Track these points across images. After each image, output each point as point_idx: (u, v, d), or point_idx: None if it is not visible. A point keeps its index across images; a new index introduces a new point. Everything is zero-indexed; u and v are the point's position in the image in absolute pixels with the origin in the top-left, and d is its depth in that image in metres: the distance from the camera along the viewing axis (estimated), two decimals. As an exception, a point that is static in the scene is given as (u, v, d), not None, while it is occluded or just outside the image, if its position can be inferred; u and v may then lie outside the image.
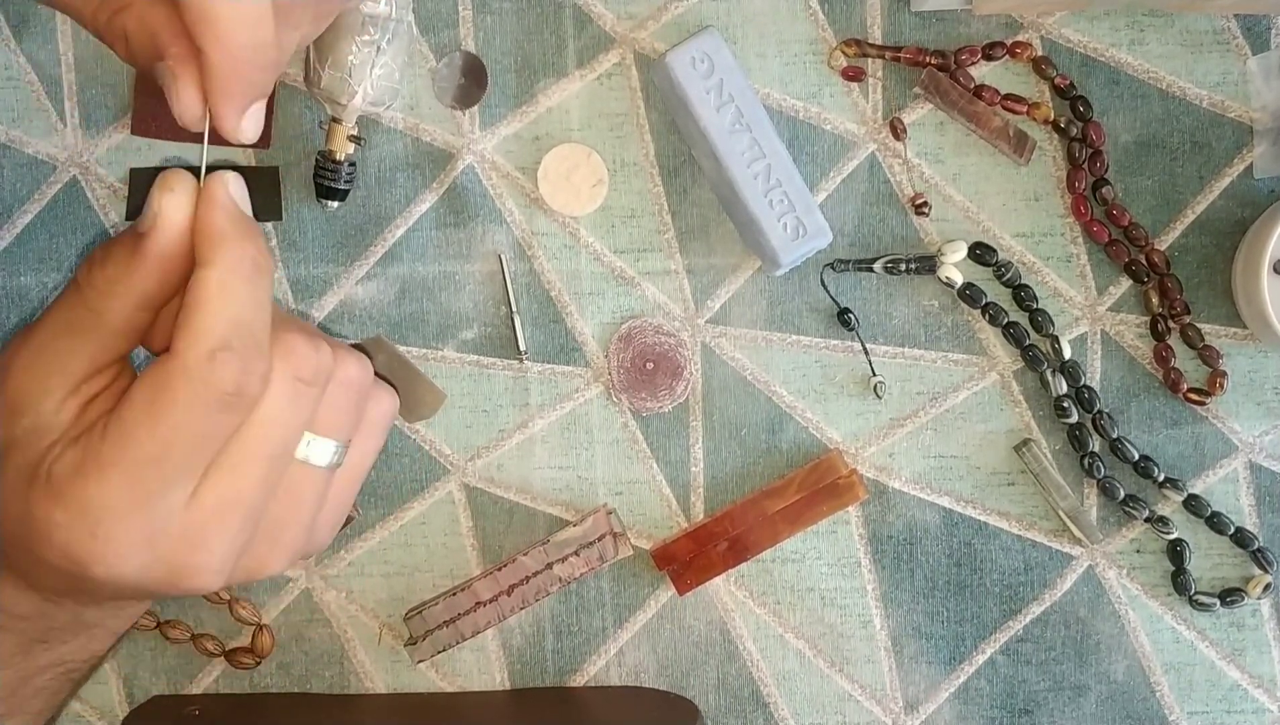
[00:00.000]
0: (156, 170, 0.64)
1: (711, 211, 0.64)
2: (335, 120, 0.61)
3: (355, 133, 0.61)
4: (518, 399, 0.65)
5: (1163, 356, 0.63)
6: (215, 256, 0.46)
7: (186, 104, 0.48)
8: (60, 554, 0.46)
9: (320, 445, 0.49)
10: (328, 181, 0.62)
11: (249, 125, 0.49)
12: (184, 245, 0.47)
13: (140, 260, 0.46)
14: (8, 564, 0.50)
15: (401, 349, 0.64)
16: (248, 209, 0.48)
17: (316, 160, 0.62)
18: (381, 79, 0.60)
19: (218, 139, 0.64)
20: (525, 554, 0.64)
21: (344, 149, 0.61)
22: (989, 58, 0.62)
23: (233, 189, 0.47)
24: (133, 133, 0.64)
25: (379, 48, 0.59)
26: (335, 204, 0.63)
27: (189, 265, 0.46)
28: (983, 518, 0.65)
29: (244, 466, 0.47)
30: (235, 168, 0.64)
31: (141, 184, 0.64)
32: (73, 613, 0.53)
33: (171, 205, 0.46)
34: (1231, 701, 0.65)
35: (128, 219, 0.64)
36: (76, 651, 0.55)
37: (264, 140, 0.64)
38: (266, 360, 0.46)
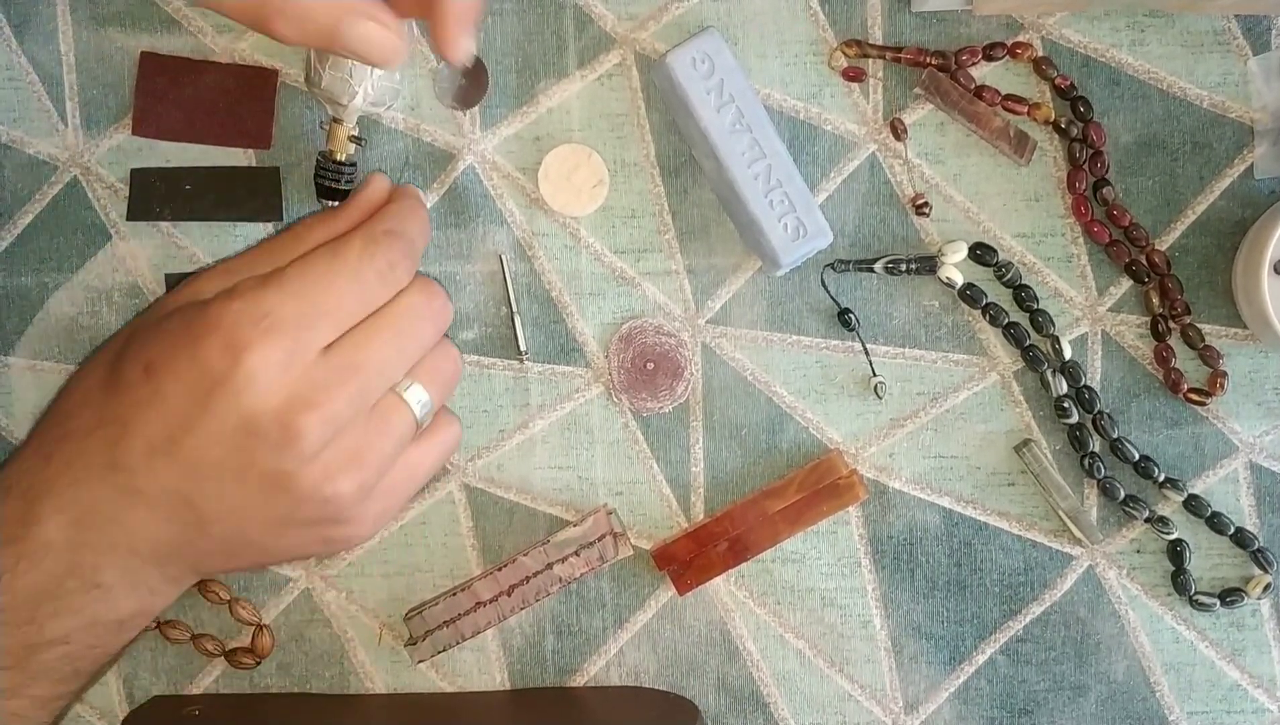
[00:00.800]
0: (158, 171, 0.64)
1: (712, 212, 0.64)
2: (336, 121, 0.61)
3: (356, 133, 0.61)
4: (518, 399, 0.65)
5: (1163, 357, 0.63)
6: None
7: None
8: (223, 336, 0.53)
9: (415, 390, 0.57)
10: (329, 182, 0.62)
11: (467, 49, 0.53)
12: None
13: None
14: (84, 429, 0.56)
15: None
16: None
17: (317, 161, 0.62)
18: (382, 79, 0.60)
19: (215, 139, 0.64)
20: (525, 554, 0.64)
21: (344, 149, 0.61)
22: (989, 58, 0.62)
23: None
24: (133, 133, 0.64)
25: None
26: (336, 204, 0.63)
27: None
28: (983, 518, 0.65)
29: (368, 344, 0.55)
30: (236, 168, 0.64)
31: (142, 184, 0.64)
32: (92, 567, 0.56)
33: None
34: (1231, 701, 0.65)
35: (129, 219, 0.64)
36: (83, 632, 0.56)
37: (264, 140, 0.64)
38: (413, 265, 0.58)
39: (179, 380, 0.54)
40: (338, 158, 0.62)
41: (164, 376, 0.54)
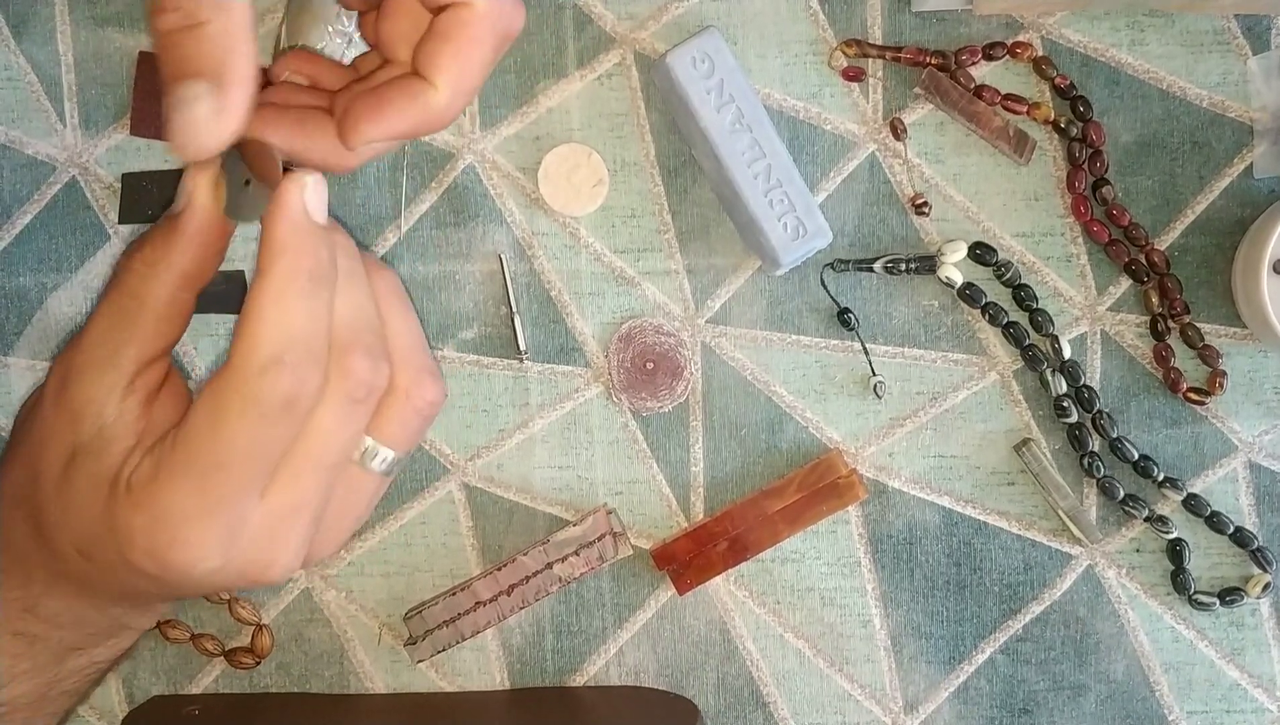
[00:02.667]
0: (149, 174, 0.64)
1: (711, 211, 0.64)
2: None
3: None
4: (518, 399, 0.65)
5: (1162, 356, 0.63)
6: (271, 267, 0.46)
7: None
8: (143, 557, 0.47)
9: (382, 454, 0.50)
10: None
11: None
12: (219, 224, 0.47)
13: (176, 239, 0.47)
14: (68, 573, 0.51)
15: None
16: (322, 211, 0.47)
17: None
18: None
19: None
20: (525, 554, 0.64)
21: None
22: (989, 58, 0.62)
23: (309, 194, 0.47)
24: (131, 133, 0.64)
25: (350, 40, 0.59)
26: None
27: (227, 240, 0.48)
28: (982, 517, 0.65)
29: (305, 473, 0.48)
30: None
31: (133, 188, 0.64)
32: (114, 618, 0.54)
33: (203, 185, 0.47)
34: (1231, 701, 0.65)
35: (120, 222, 0.64)
36: (106, 652, 0.56)
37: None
38: (321, 373, 0.47)
39: (126, 571, 0.49)
40: None
41: (106, 563, 0.49)
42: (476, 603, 0.64)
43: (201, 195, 0.47)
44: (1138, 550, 0.65)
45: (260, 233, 0.46)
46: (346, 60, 0.58)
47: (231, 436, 0.46)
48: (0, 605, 0.52)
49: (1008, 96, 0.62)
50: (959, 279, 0.63)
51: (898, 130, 0.63)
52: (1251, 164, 0.63)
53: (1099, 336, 0.64)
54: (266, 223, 0.46)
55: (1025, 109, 0.62)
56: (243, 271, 0.64)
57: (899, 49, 0.62)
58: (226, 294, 0.64)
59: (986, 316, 0.63)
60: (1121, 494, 0.63)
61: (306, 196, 0.47)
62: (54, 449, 0.49)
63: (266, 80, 0.50)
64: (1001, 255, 0.63)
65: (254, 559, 0.48)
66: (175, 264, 0.47)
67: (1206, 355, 0.63)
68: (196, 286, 0.48)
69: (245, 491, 0.47)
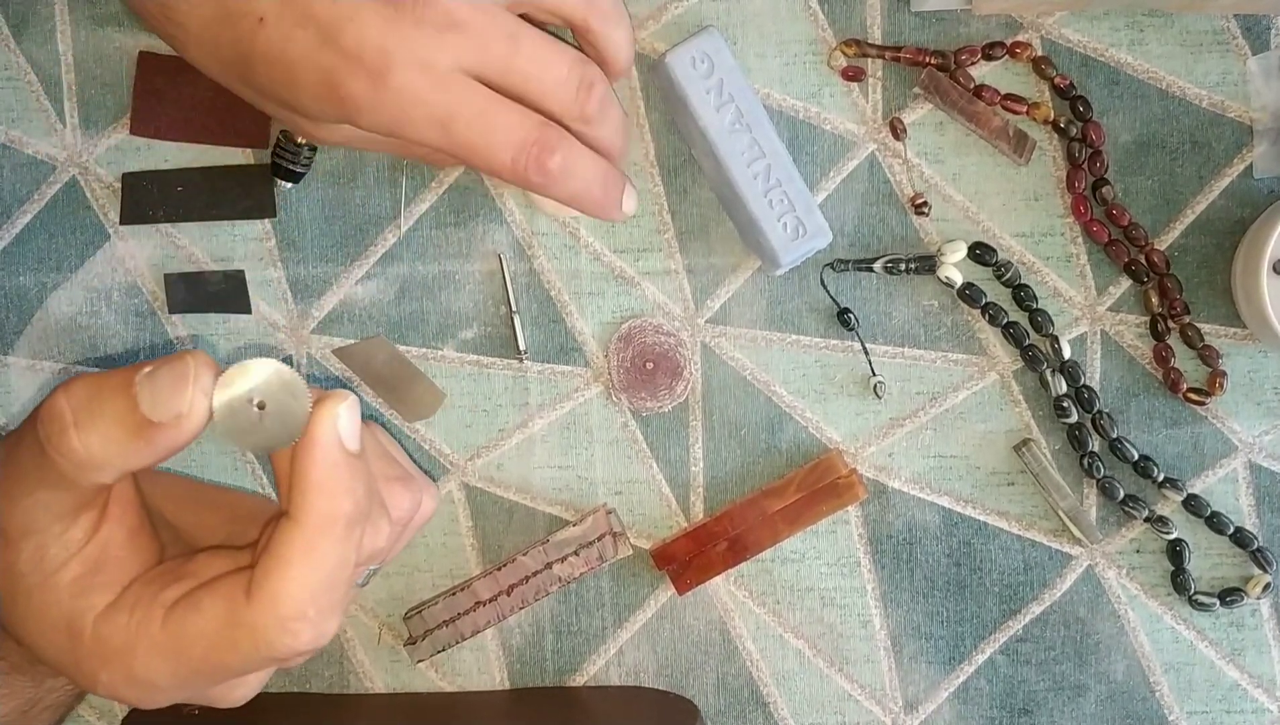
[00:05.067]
0: (149, 174, 0.64)
1: (711, 211, 0.64)
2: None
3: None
4: (517, 399, 0.65)
5: (1162, 356, 0.63)
6: (306, 515, 0.44)
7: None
8: (106, 693, 0.47)
9: (362, 573, 0.50)
10: (285, 163, 0.62)
11: (629, 205, 0.59)
12: (194, 437, 0.44)
13: (146, 448, 0.43)
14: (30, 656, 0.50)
15: (401, 349, 0.64)
16: (357, 438, 0.44)
17: (277, 139, 0.62)
18: None
19: (213, 138, 0.64)
20: (525, 554, 0.64)
21: None
22: (989, 58, 0.62)
23: (343, 424, 0.44)
24: (131, 133, 0.64)
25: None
26: (289, 185, 0.63)
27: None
28: (982, 518, 0.65)
29: None
30: (228, 167, 0.64)
31: (134, 188, 0.64)
32: None
33: (201, 407, 0.43)
34: (1231, 701, 0.65)
35: (122, 223, 0.64)
36: None
37: (262, 139, 0.64)
38: (340, 616, 0.46)
39: (88, 684, 0.48)
40: (297, 140, 0.62)
41: (71, 674, 0.48)
42: (476, 603, 0.64)
43: (197, 415, 0.43)
44: (1138, 551, 0.65)
45: (292, 466, 0.44)
46: None
47: (231, 665, 0.45)
48: None
49: (1007, 96, 0.62)
50: (959, 279, 0.63)
51: (897, 130, 0.63)
52: (1251, 164, 0.63)
53: (1099, 336, 0.64)
54: (300, 462, 0.43)
55: (1025, 109, 0.62)
56: (242, 272, 0.64)
57: (898, 49, 0.62)
58: (226, 293, 0.64)
59: (986, 316, 0.63)
60: (1121, 494, 0.63)
61: (341, 428, 0.44)
62: (0, 564, 0.47)
63: None
64: (1001, 255, 0.63)
65: (211, 700, 0.49)
66: (122, 466, 0.44)
67: (1206, 355, 0.63)
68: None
69: (231, 678, 0.47)
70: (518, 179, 0.54)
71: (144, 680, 0.46)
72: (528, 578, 0.63)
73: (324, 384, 0.65)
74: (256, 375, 0.44)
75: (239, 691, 0.49)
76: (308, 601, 0.44)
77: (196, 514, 0.53)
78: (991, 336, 0.64)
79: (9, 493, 0.45)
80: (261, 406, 0.43)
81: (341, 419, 0.44)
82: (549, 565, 0.63)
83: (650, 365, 0.64)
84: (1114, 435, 0.63)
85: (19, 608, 0.47)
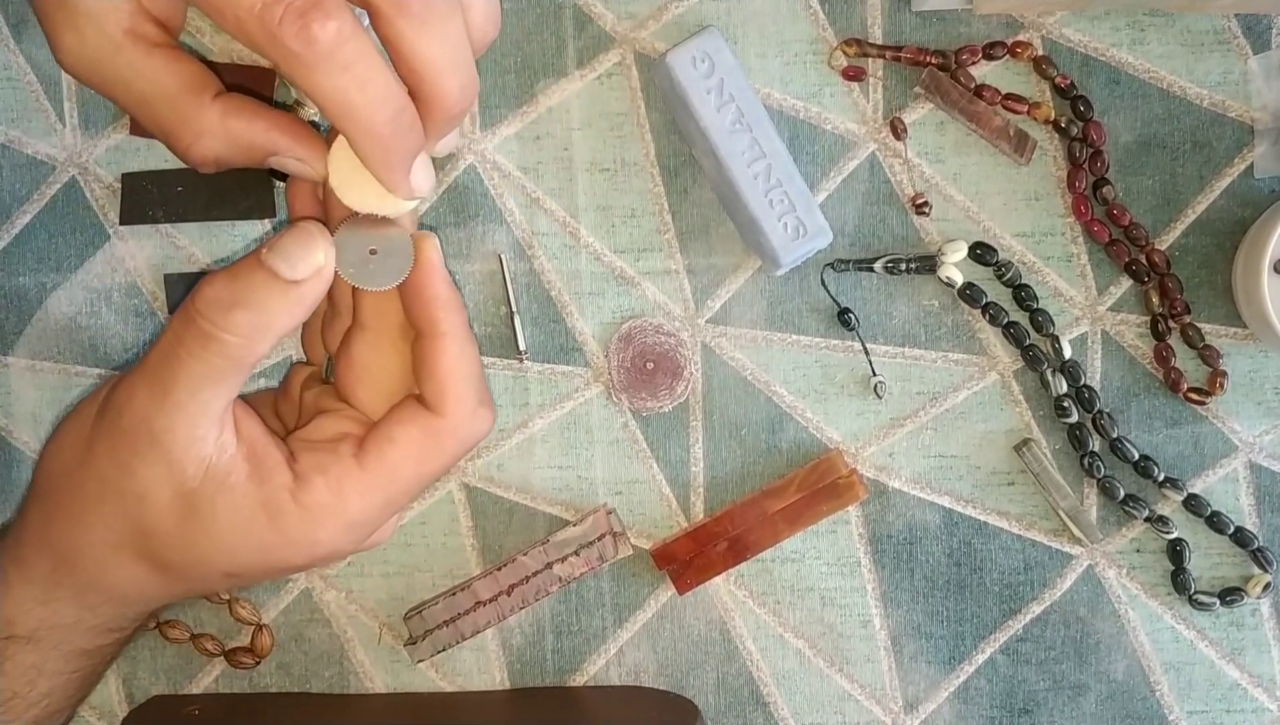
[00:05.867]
0: (149, 174, 0.64)
1: (712, 211, 0.64)
2: (299, 102, 0.61)
3: (316, 119, 0.61)
4: (518, 399, 0.65)
5: (1163, 356, 0.63)
6: (453, 326, 0.52)
7: (305, 193, 0.55)
8: (325, 558, 0.54)
9: None
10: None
11: (420, 181, 0.49)
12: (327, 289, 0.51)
13: (298, 307, 0.49)
14: (187, 591, 0.55)
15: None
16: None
17: None
18: None
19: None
20: (525, 554, 0.64)
21: None
22: (989, 57, 0.62)
23: (440, 251, 0.53)
24: (131, 133, 0.64)
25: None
26: (282, 184, 0.63)
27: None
28: (983, 517, 0.65)
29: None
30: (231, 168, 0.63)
31: (133, 188, 0.64)
32: (136, 620, 0.58)
33: (332, 257, 0.50)
34: (1231, 701, 0.65)
35: (122, 224, 0.64)
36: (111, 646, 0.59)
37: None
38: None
39: (274, 574, 0.55)
40: None
41: (256, 574, 0.54)
42: (476, 603, 0.64)
43: (330, 269, 0.50)
44: (1138, 550, 0.65)
45: (420, 294, 0.52)
46: None
47: (435, 471, 0.53)
48: (76, 637, 0.56)
49: (1008, 96, 0.62)
50: (959, 279, 0.63)
51: (898, 130, 0.63)
52: (1252, 164, 0.63)
53: (1099, 336, 0.64)
54: (427, 286, 0.52)
55: (1025, 109, 0.62)
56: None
57: (899, 48, 0.62)
58: None
59: (987, 316, 0.63)
60: (1122, 494, 0.63)
61: (441, 254, 0.52)
62: (159, 496, 0.51)
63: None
64: (1002, 255, 0.63)
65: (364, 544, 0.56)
66: (281, 328, 0.50)
67: (1207, 355, 0.63)
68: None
69: (422, 493, 0.56)
70: (266, 38, 0.41)
71: (360, 521, 0.53)
72: (528, 578, 0.63)
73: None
74: (364, 227, 0.51)
75: (382, 536, 0.57)
76: (480, 391, 0.54)
77: (263, 414, 0.57)
78: (992, 336, 0.64)
79: (172, 403, 0.50)
80: (373, 252, 0.51)
81: (439, 248, 0.52)
82: (549, 565, 0.63)
83: (650, 365, 0.64)
84: (1114, 435, 0.63)
85: (201, 520, 0.51)
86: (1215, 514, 0.63)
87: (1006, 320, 0.63)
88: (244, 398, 0.55)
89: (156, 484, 0.51)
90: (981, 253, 0.63)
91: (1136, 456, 0.63)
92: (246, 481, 0.51)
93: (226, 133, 0.48)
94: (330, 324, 0.58)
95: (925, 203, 0.63)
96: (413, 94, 0.45)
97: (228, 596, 0.66)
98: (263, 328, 0.49)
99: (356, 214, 0.51)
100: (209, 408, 0.50)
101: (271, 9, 0.40)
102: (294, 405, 0.58)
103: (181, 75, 0.47)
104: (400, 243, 0.52)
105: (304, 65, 0.41)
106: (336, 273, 0.51)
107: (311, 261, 0.49)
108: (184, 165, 0.63)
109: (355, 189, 0.49)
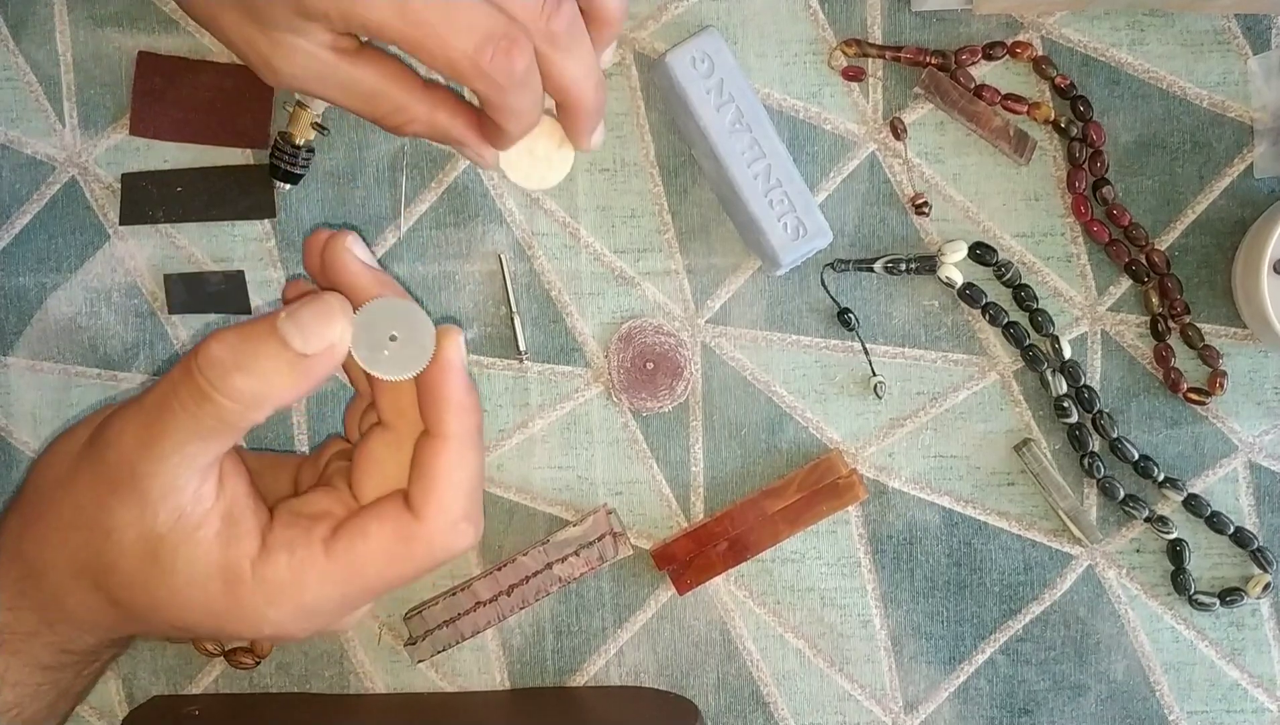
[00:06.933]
0: (148, 174, 0.64)
1: (711, 211, 0.64)
2: (301, 105, 0.61)
3: (320, 121, 0.61)
4: (518, 399, 0.65)
5: (1163, 356, 0.63)
6: (454, 431, 0.50)
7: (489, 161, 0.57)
8: (267, 637, 0.52)
9: None
10: (284, 164, 0.62)
11: (598, 140, 0.57)
12: (339, 364, 0.49)
13: (299, 380, 0.48)
14: (142, 633, 0.55)
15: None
16: (465, 362, 0.51)
17: (275, 140, 0.62)
18: None
19: (213, 138, 0.64)
20: (525, 554, 0.64)
21: (305, 134, 0.61)
22: (989, 58, 0.62)
23: (463, 351, 0.51)
24: (131, 133, 0.64)
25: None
26: (287, 186, 0.63)
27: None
28: (983, 518, 0.65)
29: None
30: (227, 167, 0.64)
31: (133, 188, 0.64)
32: (101, 652, 0.57)
33: (347, 336, 0.49)
34: (1231, 701, 0.65)
35: (121, 224, 0.64)
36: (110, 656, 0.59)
37: (261, 139, 0.63)
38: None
39: (224, 634, 0.54)
40: (296, 141, 0.61)
41: (209, 632, 0.53)
42: (476, 603, 0.64)
43: (343, 348, 0.49)
44: (1138, 550, 0.65)
45: (430, 391, 0.50)
46: None
47: (401, 575, 0.51)
48: (36, 649, 0.54)
49: (1008, 96, 0.62)
50: (959, 279, 0.63)
51: (898, 130, 0.63)
52: (1252, 164, 0.63)
53: (1099, 337, 0.64)
54: (440, 384, 0.50)
55: (1025, 109, 0.62)
56: (242, 272, 0.64)
57: (899, 49, 0.62)
58: (226, 294, 0.64)
59: (987, 317, 0.63)
60: (1122, 494, 0.63)
61: (463, 351, 0.51)
62: (126, 535, 0.50)
63: None
64: (1002, 255, 0.63)
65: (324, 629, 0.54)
66: (281, 400, 0.48)
67: (1207, 355, 0.63)
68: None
69: (382, 594, 0.53)
70: (475, 73, 0.49)
71: (313, 609, 0.51)
72: (528, 578, 0.63)
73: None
74: (388, 311, 0.50)
75: (360, 613, 0.55)
76: (467, 504, 0.51)
77: (274, 475, 0.57)
78: (992, 336, 0.64)
79: (158, 451, 0.49)
80: (393, 338, 0.50)
81: (461, 347, 0.51)
82: (549, 565, 0.63)
83: (650, 365, 0.64)
84: (1114, 435, 0.63)
85: (161, 567, 0.50)
86: (1215, 514, 0.63)
87: (1006, 320, 0.63)
88: (271, 453, 0.54)
89: (126, 524, 0.50)
90: (981, 253, 0.63)
91: (1136, 457, 0.63)
92: (213, 539, 0.50)
93: (431, 121, 0.54)
94: (365, 408, 0.57)
95: (925, 203, 0.63)
96: (560, 104, 0.54)
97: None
98: (261, 397, 0.48)
99: (382, 296, 0.50)
100: (194, 460, 0.49)
101: (483, 50, 0.48)
102: (316, 475, 0.57)
103: (388, 72, 0.52)
104: (422, 332, 0.50)
105: (503, 92, 0.50)
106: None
107: (325, 337, 0.48)
108: (184, 166, 0.64)
109: (532, 171, 0.59)
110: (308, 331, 0.47)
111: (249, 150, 0.64)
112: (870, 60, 0.63)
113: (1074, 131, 0.62)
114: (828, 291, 0.64)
